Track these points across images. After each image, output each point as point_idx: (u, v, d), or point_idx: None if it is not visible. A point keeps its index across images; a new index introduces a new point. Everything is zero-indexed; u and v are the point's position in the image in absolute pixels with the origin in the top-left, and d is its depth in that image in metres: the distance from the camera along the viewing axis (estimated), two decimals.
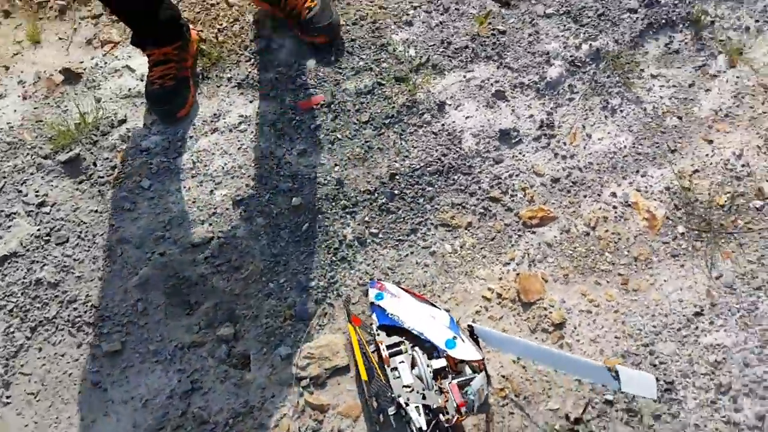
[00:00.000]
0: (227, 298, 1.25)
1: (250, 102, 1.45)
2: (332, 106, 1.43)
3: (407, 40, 1.51)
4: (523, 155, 1.36)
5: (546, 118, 1.39)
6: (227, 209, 1.34)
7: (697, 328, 1.13)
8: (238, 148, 1.40)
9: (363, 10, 1.55)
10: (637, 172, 1.32)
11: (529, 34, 1.49)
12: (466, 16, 1.53)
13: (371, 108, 1.43)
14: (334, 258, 1.28)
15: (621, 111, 1.40)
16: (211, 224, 1.32)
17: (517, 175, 1.34)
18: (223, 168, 1.38)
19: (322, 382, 1.16)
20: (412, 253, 1.28)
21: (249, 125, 1.43)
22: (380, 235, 1.30)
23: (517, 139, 1.38)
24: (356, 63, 1.48)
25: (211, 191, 1.36)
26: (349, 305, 1.22)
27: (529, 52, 1.47)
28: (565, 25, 1.49)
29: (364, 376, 1.07)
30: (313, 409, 1.14)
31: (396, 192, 1.33)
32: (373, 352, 1.12)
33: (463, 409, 1.04)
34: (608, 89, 1.42)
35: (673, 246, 1.23)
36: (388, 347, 1.11)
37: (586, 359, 0.98)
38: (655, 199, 1.28)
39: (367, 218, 1.31)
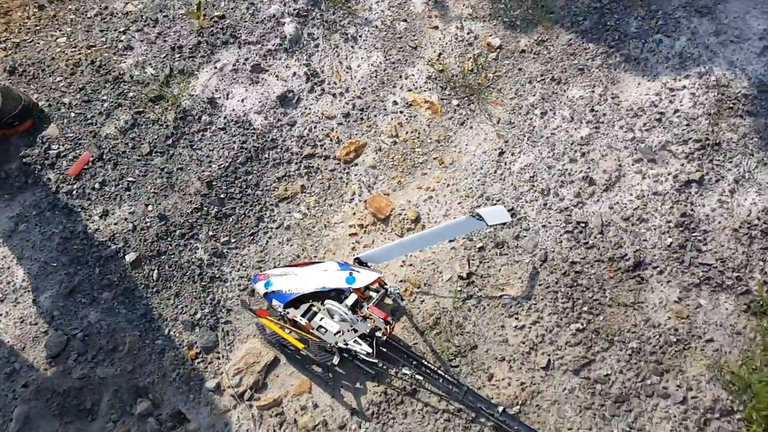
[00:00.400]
0: (123, 379, 1.35)
1: (9, 203, 1.54)
2: (104, 157, 1.59)
3: (138, 62, 1.73)
4: (309, 108, 1.71)
5: (307, 70, 1.74)
6: (63, 305, 1.43)
7: (505, 163, 1.63)
8: (34, 246, 1.49)
9: (73, 58, 1.73)
10: (401, 77, 1.78)
11: (247, 8, 1.83)
12: (180, 18, 1.81)
13: (146, 137, 1.62)
14: (203, 283, 1.45)
15: (360, 36, 1.83)
16: (56, 328, 1.40)
17: (315, 127, 1.68)
18: (30, 274, 1.46)
19: (263, 384, 1.35)
20: (270, 237, 1.54)
21: (28, 222, 1.51)
22: (232, 240, 1.53)
23: (296, 99, 1.72)
24: (101, 106, 1.66)
25: (34, 300, 1.43)
26: (248, 306, 1.42)
27: (258, 22, 1.81)
28: None
29: (300, 345, 1.33)
30: (268, 408, 1.32)
31: (222, 196, 1.57)
32: (290, 333, 1.38)
33: (389, 319, 1.37)
34: (340, 23, 1.83)
35: (456, 117, 1.71)
36: (303, 315, 1.34)
37: (451, 221, 1.37)
38: (425, 91, 1.76)
39: (210, 233, 1.52)
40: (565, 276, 1.41)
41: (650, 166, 1.51)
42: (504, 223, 1.46)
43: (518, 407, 1.28)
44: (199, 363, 1.37)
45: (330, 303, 1.34)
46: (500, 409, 1.22)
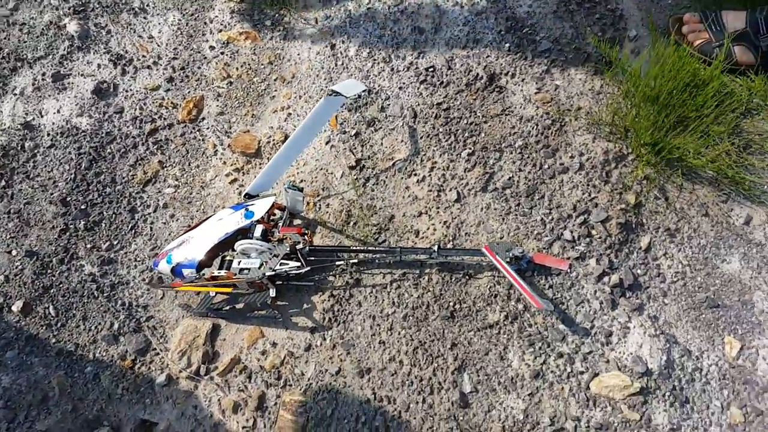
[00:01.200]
0: (69, 421, 1.22)
1: None
2: None
3: None
4: (130, 90, 1.61)
5: (111, 57, 1.62)
6: None
7: (340, 53, 1.62)
8: None
9: None
10: (205, 23, 1.68)
11: (19, 29, 1.68)
12: None
13: None
14: (105, 295, 1.35)
15: (148, 5, 1.70)
16: None
17: (145, 104, 1.57)
18: None
19: (213, 353, 1.29)
20: (152, 222, 1.45)
21: None
22: (114, 242, 1.42)
23: (112, 87, 1.59)
24: None
25: None
26: (157, 284, 1.35)
27: (38, 36, 1.65)
28: None
29: (228, 289, 1.29)
30: (229, 371, 1.27)
31: (83, 207, 1.46)
32: (214, 293, 1.32)
33: (304, 231, 1.36)
34: (122, 2, 1.74)
35: (276, 35, 1.67)
36: (220, 269, 1.29)
37: (312, 112, 1.35)
38: (235, 25, 1.70)
39: (88, 246, 1.41)
40: (437, 118, 1.45)
41: None
42: (361, 93, 1.47)
43: (451, 242, 1.31)
44: (139, 368, 1.29)
45: (240, 244, 1.30)
46: (435, 247, 1.25)
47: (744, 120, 1.35)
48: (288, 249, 1.29)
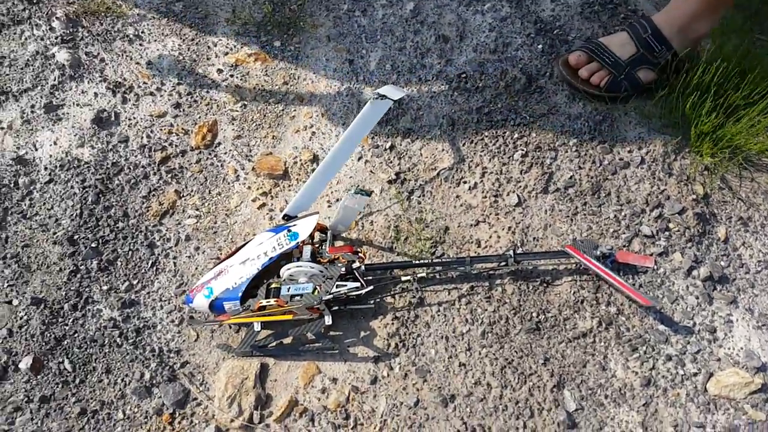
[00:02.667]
0: None
1: None
2: None
3: None
4: (134, 118, 1.44)
5: (108, 84, 1.46)
6: None
7: (360, 68, 1.53)
8: None
9: None
10: (209, 47, 1.58)
11: (0, 62, 1.55)
12: None
13: None
14: (130, 342, 1.15)
15: (143, 32, 1.56)
16: None
17: (152, 132, 1.42)
18: None
19: (265, 396, 1.12)
20: (175, 257, 1.27)
21: None
22: (134, 282, 1.23)
23: (113, 115, 1.43)
24: None
25: None
26: (196, 323, 1.19)
27: (22, 68, 1.48)
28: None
29: (288, 316, 1.12)
30: (287, 415, 1.10)
31: (94, 245, 1.26)
32: (259, 328, 1.16)
33: (356, 249, 1.23)
34: (114, 30, 1.56)
35: (288, 55, 1.56)
36: (268, 298, 1.14)
37: (356, 117, 1.23)
38: (243, 47, 1.58)
39: (104, 287, 1.21)
40: (479, 123, 1.37)
41: (482, 2, 1.54)
42: (402, 97, 1.36)
43: (521, 249, 1.21)
44: (180, 422, 1.10)
45: (287, 268, 1.16)
46: (511, 252, 1.14)
47: None
48: (343, 269, 1.15)
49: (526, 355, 1.11)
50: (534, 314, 1.14)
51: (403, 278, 1.17)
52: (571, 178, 1.28)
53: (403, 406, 1.09)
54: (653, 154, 1.29)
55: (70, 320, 1.18)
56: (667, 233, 1.21)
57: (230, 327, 1.20)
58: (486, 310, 1.16)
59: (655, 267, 1.17)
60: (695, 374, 1.06)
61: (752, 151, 1.27)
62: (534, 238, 1.23)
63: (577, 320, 1.13)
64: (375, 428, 1.08)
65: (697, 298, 1.13)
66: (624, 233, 1.21)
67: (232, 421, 1.10)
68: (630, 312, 1.14)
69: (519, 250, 1.20)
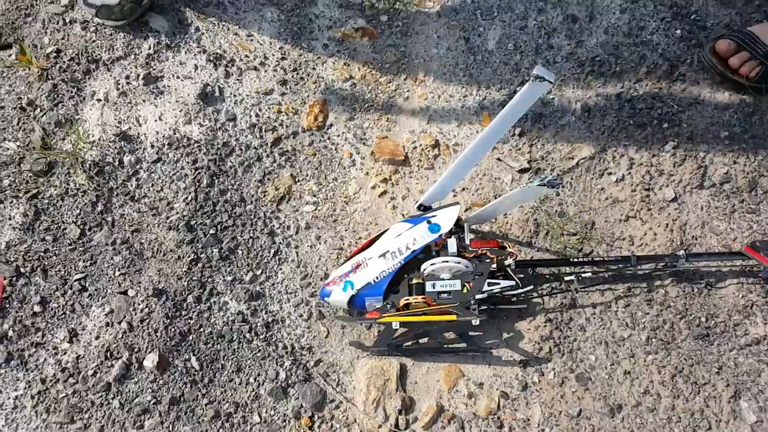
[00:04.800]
0: None
1: None
2: (24, 269, 1.13)
3: None
4: (239, 94, 1.35)
5: (208, 56, 1.37)
6: None
7: (477, 47, 1.47)
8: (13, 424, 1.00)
9: None
10: (310, 20, 1.49)
11: (95, 30, 1.46)
12: (7, 74, 1.36)
13: (65, 220, 1.18)
14: (261, 338, 1.09)
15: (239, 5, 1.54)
16: None
17: (260, 110, 1.33)
18: None
19: (409, 400, 1.07)
20: (297, 246, 1.19)
21: None
22: (258, 272, 1.16)
23: (217, 91, 1.33)
24: None
25: None
26: (352, 317, 1.13)
27: (112, 34, 1.44)
28: None
29: (452, 317, 1.05)
30: (435, 421, 1.04)
31: (213, 231, 1.18)
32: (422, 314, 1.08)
33: (503, 244, 1.16)
34: None
35: (395, 30, 1.48)
36: (415, 294, 1.08)
37: (513, 99, 1.15)
38: (348, 20, 1.51)
39: (228, 278, 1.14)
40: (620, 110, 1.31)
41: None
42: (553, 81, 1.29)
43: (680, 248, 1.16)
44: (320, 427, 1.04)
45: (429, 265, 1.09)
46: (683, 252, 1.08)
47: None
48: (494, 265, 1.09)
49: (697, 363, 1.05)
50: (702, 319, 1.09)
51: (566, 278, 1.11)
52: (726, 173, 1.22)
53: (562, 415, 1.04)
54: None
55: (195, 313, 1.11)
56: None
57: (361, 323, 1.14)
58: (648, 313, 1.10)
59: None
60: None
61: None
62: (693, 237, 1.17)
63: (748, 326, 1.08)
64: None
65: None
66: None
67: (379, 427, 1.04)
68: None
69: (689, 250, 1.14)
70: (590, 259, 1.11)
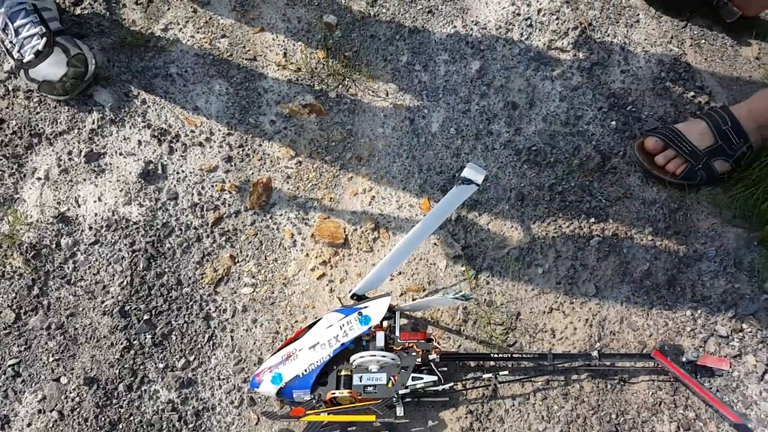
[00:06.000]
0: None
1: None
2: None
3: None
4: (182, 171, 1.44)
5: (152, 131, 1.47)
6: None
7: (421, 129, 1.57)
8: None
9: None
10: (259, 94, 1.58)
11: (35, 99, 1.52)
12: None
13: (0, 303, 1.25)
14: (190, 426, 1.16)
15: (186, 72, 1.59)
16: None
17: (202, 188, 1.42)
18: None
19: None
20: (232, 330, 1.27)
21: None
22: (190, 358, 1.24)
23: (160, 168, 1.42)
24: None
25: None
26: (279, 416, 1.19)
27: (57, 106, 1.51)
28: None
29: (371, 417, 1.14)
30: None
31: (147, 317, 1.26)
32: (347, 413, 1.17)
33: (429, 336, 1.26)
34: (153, 66, 1.60)
35: (343, 108, 1.57)
36: (343, 387, 1.16)
37: (440, 202, 1.25)
38: (296, 96, 1.60)
39: (160, 365, 1.22)
40: (551, 201, 1.41)
41: (551, 68, 1.58)
42: (485, 176, 1.39)
43: (597, 343, 1.26)
44: None
45: (358, 357, 1.18)
46: (596, 352, 1.18)
47: None
48: (419, 359, 1.18)
49: None
50: (613, 415, 1.19)
51: (485, 376, 1.20)
52: (647, 269, 1.33)
53: None
54: (726, 248, 1.35)
55: (126, 402, 1.18)
56: (740, 334, 1.27)
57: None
58: (563, 407, 1.20)
59: (730, 370, 1.23)
60: None
61: None
62: (611, 332, 1.27)
63: (654, 423, 1.19)
64: None
65: None
66: (700, 333, 1.26)
67: None
68: (707, 417, 1.19)
69: (602, 350, 1.24)
70: (510, 354, 1.21)
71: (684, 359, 1.18)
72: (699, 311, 1.28)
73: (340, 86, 1.60)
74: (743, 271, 1.33)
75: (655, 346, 1.24)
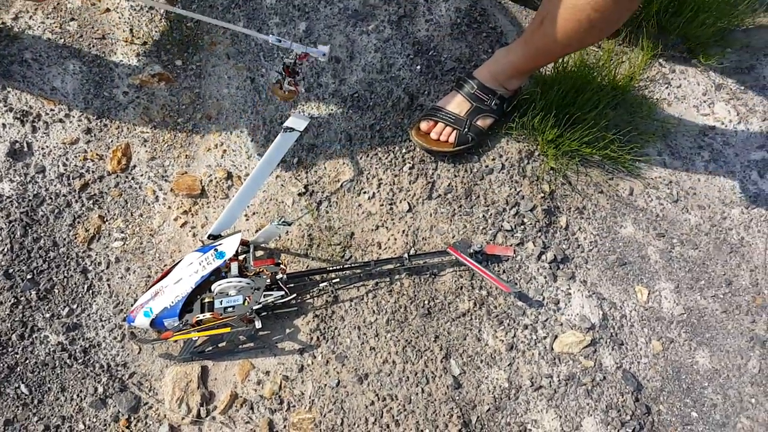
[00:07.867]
0: None
1: None
2: None
3: None
4: (47, 147, 1.53)
5: (13, 114, 1.57)
6: None
7: (260, 84, 1.76)
8: None
9: None
10: (111, 69, 1.70)
11: None
12: None
13: None
14: (80, 361, 1.32)
15: (41, 56, 1.68)
16: None
17: (67, 160, 1.53)
18: None
19: (209, 394, 1.36)
20: (108, 279, 1.43)
21: None
22: (76, 307, 1.39)
23: (26, 145, 1.51)
24: None
25: None
26: (143, 341, 1.37)
27: None
28: None
29: (226, 329, 1.34)
30: (230, 407, 1.33)
31: (30, 276, 1.39)
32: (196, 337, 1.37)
33: (277, 261, 1.46)
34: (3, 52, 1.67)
35: (190, 73, 1.72)
36: (202, 312, 1.34)
37: (270, 147, 1.43)
38: (145, 67, 1.72)
39: (47, 315, 1.37)
40: (372, 139, 1.62)
41: (367, 23, 1.77)
42: (308, 124, 1.57)
43: (412, 248, 1.51)
44: (136, 425, 1.30)
45: (218, 284, 1.36)
46: (406, 255, 1.43)
47: (612, 111, 1.71)
48: (268, 280, 1.38)
49: (421, 335, 1.42)
50: (426, 301, 1.45)
51: (321, 284, 1.43)
52: (449, 185, 1.58)
53: (326, 387, 1.37)
54: (511, 161, 1.62)
55: (20, 349, 1.32)
56: (522, 227, 1.55)
57: (162, 342, 1.40)
58: (389, 301, 1.45)
59: (514, 255, 1.51)
60: (544, 338, 1.43)
61: (585, 154, 1.63)
62: (423, 239, 1.52)
63: (458, 303, 1.46)
64: (305, 408, 1.35)
65: (545, 277, 1.50)
66: (491, 229, 1.54)
67: (183, 418, 1.32)
68: (497, 293, 1.48)
69: (412, 252, 1.49)
70: (341, 266, 1.43)
71: (471, 250, 1.45)
72: (490, 212, 1.55)
73: (185, 54, 1.72)
74: (525, 177, 1.60)
75: (452, 243, 1.50)
